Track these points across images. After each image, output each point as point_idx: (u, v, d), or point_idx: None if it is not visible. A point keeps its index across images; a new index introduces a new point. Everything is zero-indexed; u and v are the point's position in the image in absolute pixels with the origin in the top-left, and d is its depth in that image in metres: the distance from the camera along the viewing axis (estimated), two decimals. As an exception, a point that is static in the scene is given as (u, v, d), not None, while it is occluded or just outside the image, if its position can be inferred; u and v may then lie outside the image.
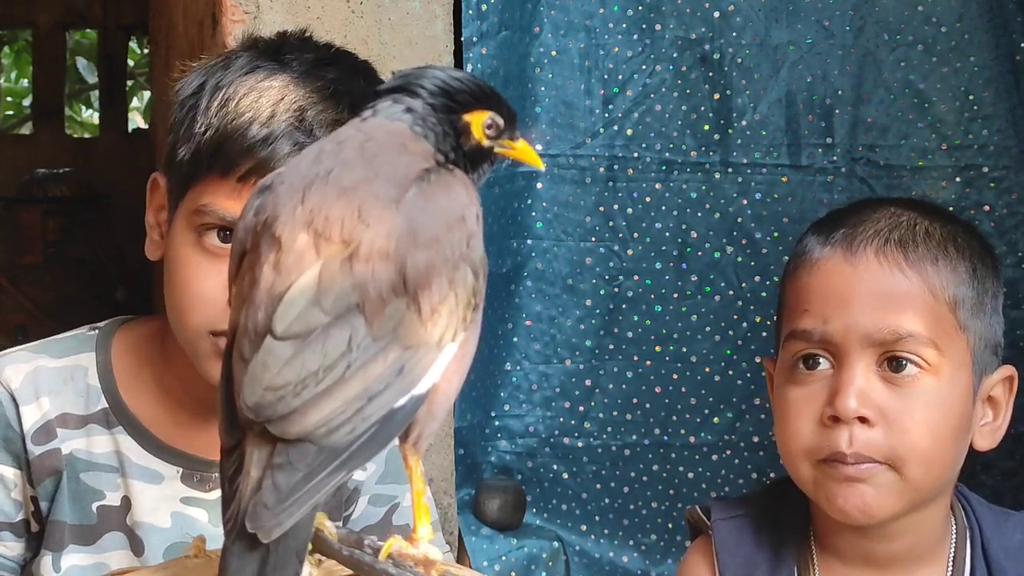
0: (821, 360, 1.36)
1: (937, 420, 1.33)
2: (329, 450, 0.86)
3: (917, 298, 1.34)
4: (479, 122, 0.98)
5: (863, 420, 1.32)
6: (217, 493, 1.41)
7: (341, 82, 1.33)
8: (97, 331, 1.47)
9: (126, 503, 1.41)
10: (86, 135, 8.56)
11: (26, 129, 8.28)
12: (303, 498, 0.84)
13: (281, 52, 1.36)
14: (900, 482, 1.32)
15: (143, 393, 1.43)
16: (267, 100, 1.30)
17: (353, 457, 0.87)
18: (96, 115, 8.73)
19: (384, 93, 0.98)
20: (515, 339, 2.22)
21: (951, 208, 2.15)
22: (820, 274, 1.38)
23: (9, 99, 9.25)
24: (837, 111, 2.23)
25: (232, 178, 1.29)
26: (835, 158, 2.24)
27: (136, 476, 1.41)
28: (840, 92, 2.23)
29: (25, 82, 8.94)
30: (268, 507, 0.83)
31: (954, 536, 1.42)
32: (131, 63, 7.96)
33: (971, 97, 2.22)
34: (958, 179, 2.22)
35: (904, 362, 1.33)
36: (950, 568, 1.41)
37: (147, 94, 8.59)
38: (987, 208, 2.21)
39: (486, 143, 0.99)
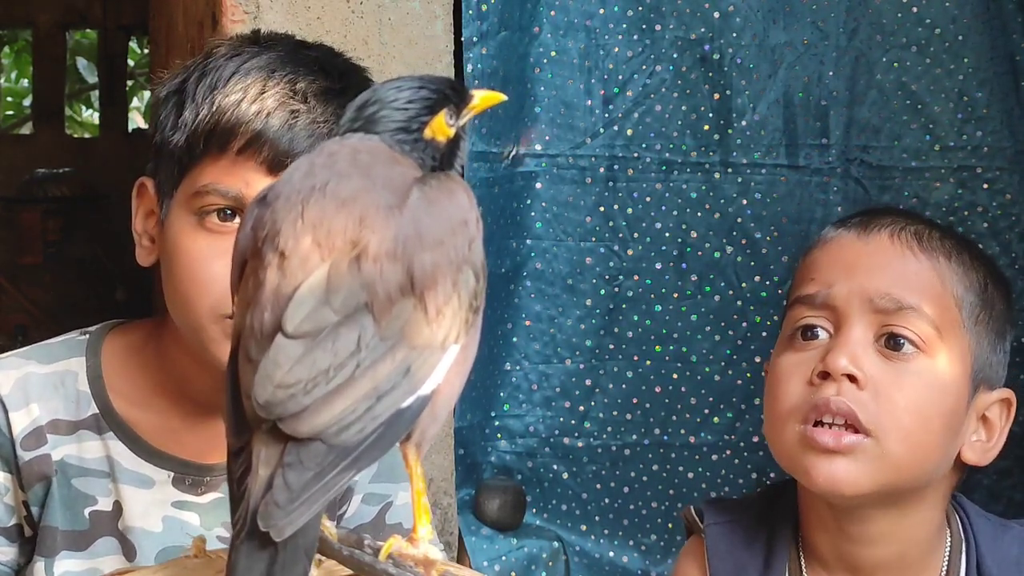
0: (820, 331, 1.37)
1: (925, 400, 1.33)
2: (339, 449, 0.87)
3: (925, 278, 1.35)
4: (440, 126, 1.00)
5: (852, 380, 1.32)
6: (210, 496, 1.42)
7: (326, 60, 1.34)
8: (88, 336, 1.46)
9: (118, 508, 1.40)
10: (86, 135, 8.56)
11: (26, 129, 8.28)
12: (314, 497, 0.85)
13: (260, 41, 1.37)
14: (879, 456, 1.31)
15: (134, 397, 1.43)
16: (256, 76, 1.30)
17: (362, 457, 0.88)
18: (96, 115, 8.73)
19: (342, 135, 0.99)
20: (515, 339, 2.22)
21: (943, 208, 2.16)
22: (831, 248, 1.40)
23: (9, 99, 9.25)
24: (832, 112, 2.23)
25: (230, 154, 1.28)
26: (830, 159, 2.23)
27: (127, 481, 1.40)
28: (835, 93, 2.23)
29: (25, 82, 8.94)
30: (280, 506, 0.84)
31: (948, 547, 1.42)
32: (131, 63, 7.96)
33: (965, 99, 2.22)
34: (952, 180, 2.21)
35: (902, 340, 1.33)
36: None
37: (147, 94, 8.58)
38: (980, 209, 2.21)
39: (452, 132, 1.00)
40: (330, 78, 1.32)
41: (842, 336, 1.34)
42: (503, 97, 1.07)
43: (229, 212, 1.30)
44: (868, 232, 1.38)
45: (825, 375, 1.33)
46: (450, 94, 1.01)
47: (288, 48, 1.35)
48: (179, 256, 1.32)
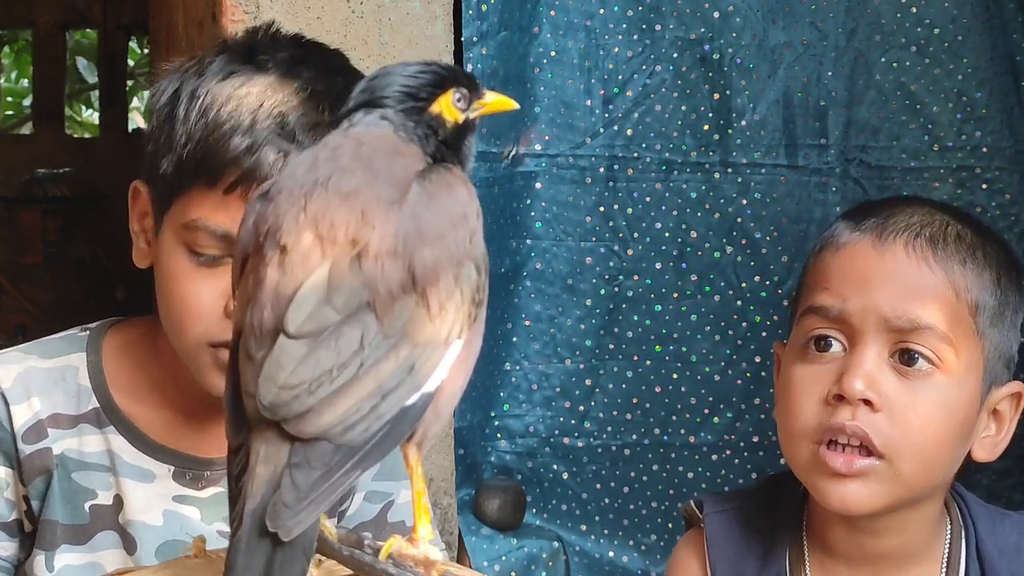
0: (833, 342, 1.36)
1: (940, 419, 1.33)
2: (345, 448, 0.86)
3: (939, 294, 1.34)
4: (448, 104, 0.99)
5: (867, 404, 1.32)
6: (210, 491, 1.42)
7: (318, 81, 1.33)
8: (88, 332, 1.47)
9: (118, 502, 1.41)
10: (86, 135, 8.57)
11: (26, 129, 8.28)
12: (321, 497, 0.85)
13: (254, 53, 1.35)
14: (891, 476, 1.32)
15: (134, 392, 1.43)
16: (247, 107, 1.29)
17: (368, 456, 0.88)
18: (96, 115, 8.74)
19: (352, 109, 0.99)
20: (514, 339, 2.22)
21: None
22: (845, 256, 1.39)
23: (9, 99, 9.25)
24: (831, 112, 2.23)
25: (219, 190, 1.28)
26: (829, 159, 2.24)
27: (128, 475, 1.41)
28: (834, 93, 2.23)
29: (25, 82, 8.94)
30: (288, 506, 0.84)
31: (948, 535, 1.42)
32: (131, 63, 7.96)
33: (964, 99, 2.22)
34: (950, 180, 2.22)
35: (916, 356, 1.32)
36: (944, 567, 1.40)
37: (147, 94, 8.57)
38: (979, 209, 2.21)
39: (461, 117, 1.00)
40: (320, 108, 1.30)
41: (857, 355, 1.33)
42: (515, 105, 1.07)
43: (217, 256, 1.30)
44: (883, 240, 1.37)
45: (840, 397, 1.32)
46: (461, 78, 1.01)
47: (281, 68, 1.33)
48: (169, 283, 1.33)
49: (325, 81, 1.33)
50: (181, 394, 1.41)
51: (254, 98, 1.30)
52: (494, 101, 1.04)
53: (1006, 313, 1.38)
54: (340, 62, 1.41)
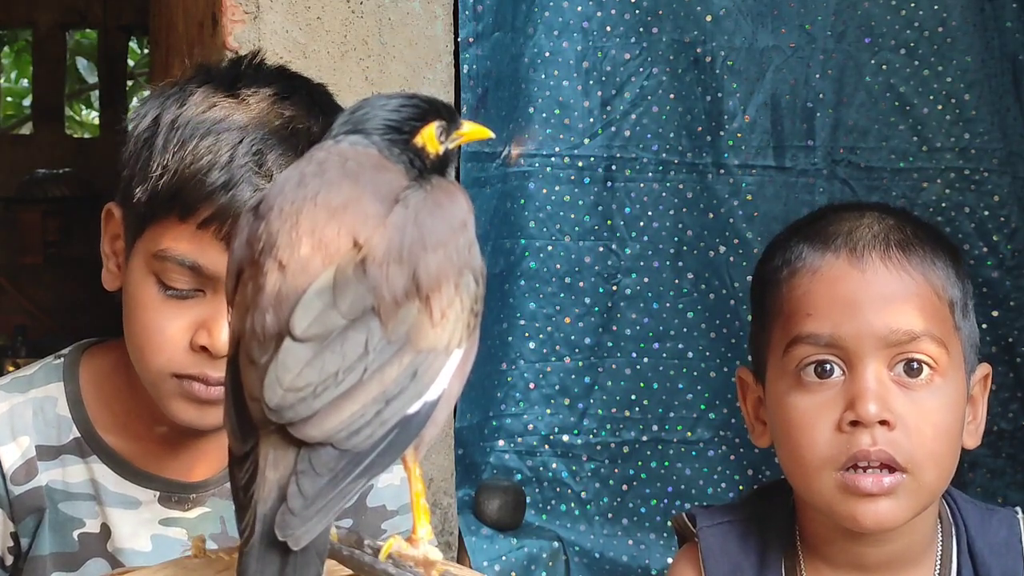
0: (834, 367, 1.34)
1: (948, 420, 1.34)
2: (350, 455, 0.86)
3: (925, 299, 1.35)
4: (431, 136, 0.99)
5: (883, 423, 1.31)
6: (197, 511, 1.42)
7: (299, 120, 1.31)
8: (63, 359, 1.46)
9: (105, 530, 1.40)
10: (86, 135, 8.57)
11: (26, 129, 8.29)
12: (330, 504, 0.84)
13: (236, 85, 1.33)
14: (917, 488, 1.32)
15: (113, 421, 1.42)
16: (226, 143, 1.27)
17: (374, 464, 0.87)
18: (96, 115, 8.74)
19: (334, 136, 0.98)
20: (510, 338, 2.23)
21: (931, 209, 2.17)
22: (825, 281, 1.37)
23: (9, 99, 9.25)
24: (818, 114, 2.25)
25: (192, 224, 1.27)
26: (816, 160, 2.25)
27: (113, 504, 1.40)
28: (821, 96, 2.25)
29: (25, 82, 8.94)
30: (295, 513, 0.83)
31: (940, 535, 1.43)
32: (131, 63, 7.96)
33: (952, 100, 2.24)
34: (939, 181, 2.24)
35: (917, 364, 1.32)
36: (938, 567, 1.41)
37: (147, 94, 8.57)
38: (967, 210, 2.23)
39: (441, 149, 1.00)
40: (299, 147, 1.28)
41: (861, 378, 1.32)
42: (490, 134, 1.08)
43: (185, 291, 1.29)
44: (860, 258, 1.36)
45: (855, 423, 1.32)
46: (441, 111, 1.02)
47: (264, 104, 1.31)
48: (137, 311, 1.32)
49: (306, 120, 1.32)
50: (158, 422, 1.39)
51: (234, 134, 1.28)
52: (471, 131, 1.04)
53: (968, 301, 1.39)
54: (325, 99, 1.39)
